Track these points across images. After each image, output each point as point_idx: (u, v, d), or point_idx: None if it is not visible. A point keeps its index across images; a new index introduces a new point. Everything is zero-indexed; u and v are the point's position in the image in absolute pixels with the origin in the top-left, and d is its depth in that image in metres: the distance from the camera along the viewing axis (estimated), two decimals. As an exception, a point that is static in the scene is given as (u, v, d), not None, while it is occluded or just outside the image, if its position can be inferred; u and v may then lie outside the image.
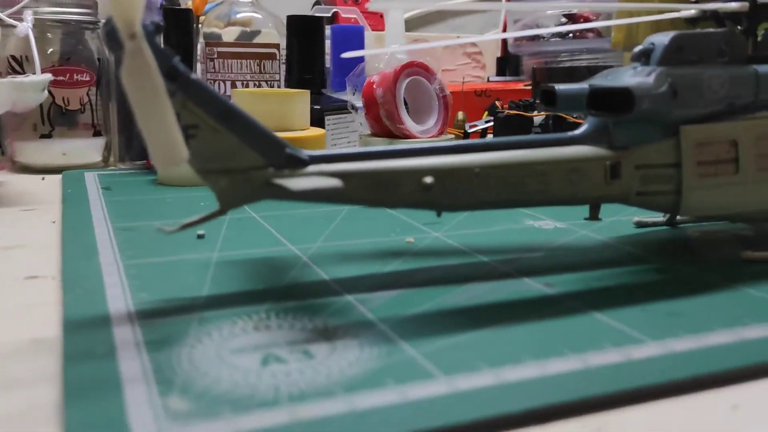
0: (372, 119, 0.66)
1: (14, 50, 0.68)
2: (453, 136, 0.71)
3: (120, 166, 0.73)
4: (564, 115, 0.67)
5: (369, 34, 0.82)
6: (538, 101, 0.70)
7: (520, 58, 0.95)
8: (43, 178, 0.66)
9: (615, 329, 0.28)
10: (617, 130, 0.36)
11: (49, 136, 0.70)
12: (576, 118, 0.68)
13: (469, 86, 0.83)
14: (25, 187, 0.62)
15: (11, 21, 0.65)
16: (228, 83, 0.72)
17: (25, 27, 0.61)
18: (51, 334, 0.29)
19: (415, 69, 0.66)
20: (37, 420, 0.22)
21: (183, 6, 0.79)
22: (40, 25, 0.67)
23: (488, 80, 0.95)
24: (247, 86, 0.72)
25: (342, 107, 0.69)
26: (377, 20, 0.93)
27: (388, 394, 0.22)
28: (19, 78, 0.53)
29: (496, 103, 0.72)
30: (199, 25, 0.74)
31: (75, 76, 0.69)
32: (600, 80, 0.38)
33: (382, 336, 0.27)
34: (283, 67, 0.74)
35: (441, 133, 0.68)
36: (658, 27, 0.89)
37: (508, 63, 0.97)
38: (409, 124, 0.65)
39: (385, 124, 0.65)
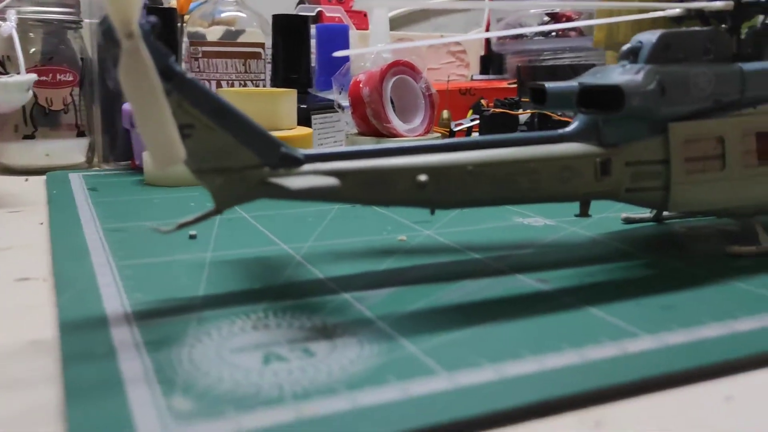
0: (359, 118, 0.66)
1: (-4, 50, 0.68)
2: (439, 134, 0.71)
3: (104, 167, 0.73)
4: (549, 113, 0.68)
5: (353, 33, 0.82)
6: (524, 99, 0.70)
7: (503, 57, 0.96)
8: (26, 180, 0.65)
9: (610, 323, 0.28)
10: (607, 128, 0.36)
11: (32, 136, 0.69)
12: (561, 115, 0.68)
13: (453, 85, 0.83)
14: (8, 188, 0.61)
15: (-7, 21, 0.64)
16: (213, 83, 0.72)
17: (9, 27, 0.60)
18: (47, 335, 0.28)
19: (401, 68, 0.67)
20: (39, 420, 0.22)
21: (166, 5, 0.79)
22: (21, 25, 0.66)
23: (472, 78, 0.95)
24: (232, 86, 0.72)
25: (328, 106, 0.69)
26: (361, 19, 0.93)
27: (391, 391, 0.23)
28: (4, 78, 0.53)
29: (481, 101, 0.73)
30: (184, 25, 0.74)
31: (58, 76, 0.69)
32: (589, 78, 0.38)
33: (381, 333, 0.27)
34: (269, 67, 0.74)
35: (427, 131, 0.68)
36: (639, 26, 0.90)
37: (491, 61, 0.97)
38: (396, 123, 0.66)
39: (372, 123, 0.65)
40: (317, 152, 0.33)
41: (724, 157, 0.37)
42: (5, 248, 0.42)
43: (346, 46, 0.78)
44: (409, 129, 0.67)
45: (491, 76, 0.95)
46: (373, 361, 0.25)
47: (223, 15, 0.76)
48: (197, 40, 0.73)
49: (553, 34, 0.86)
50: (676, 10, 0.43)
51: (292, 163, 0.32)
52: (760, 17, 0.41)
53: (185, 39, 0.73)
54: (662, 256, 0.38)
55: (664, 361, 0.25)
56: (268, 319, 0.29)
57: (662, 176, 0.37)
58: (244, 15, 0.76)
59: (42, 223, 0.48)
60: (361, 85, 0.64)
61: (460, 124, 0.75)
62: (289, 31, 0.70)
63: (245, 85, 0.73)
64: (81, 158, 0.73)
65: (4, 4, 0.64)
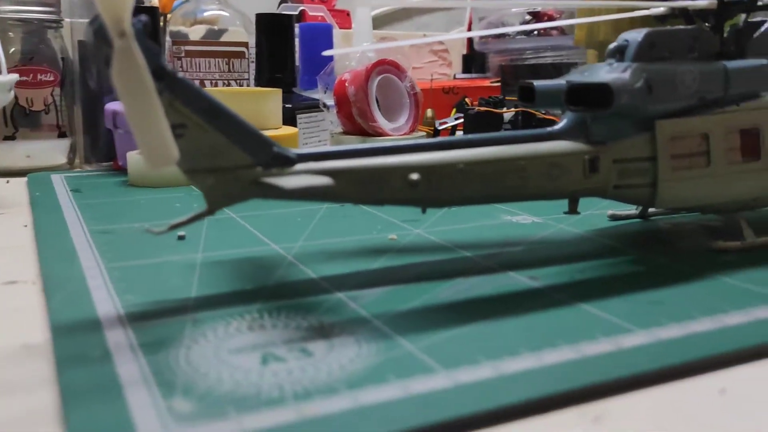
0: (344, 117, 0.66)
1: (-26, 50, 0.66)
2: (424, 133, 0.71)
3: (86, 168, 0.72)
4: (533, 112, 0.68)
5: (337, 33, 0.82)
6: (509, 98, 0.71)
7: (485, 56, 0.96)
8: (7, 181, 0.64)
9: (603, 319, 0.29)
10: (595, 126, 0.37)
11: (12, 137, 0.68)
12: (545, 114, 0.69)
13: (436, 84, 0.84)
14: (-11, 190, 0.60)
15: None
16: (196, 82, 0.71)
17: (-11, 26, 0.59)
18: (39, 338, 0.28)
19: (387, 67, 0.67)
20: (35, 424, 0.22)
21: (148, 4, 0.78)
22: (1, 24, 0.65)
23: (455, 77, 0.96)
24: (216, 85, 0.72)
25: (314, 106, 0.69)
26: (344, 18, 0.93)
27: (392, 389, 0.23)
28: (-16, 79, 0.52)
29: (466, 100, 0.73)
30: (166, 24, 0.73)
31: (39, 76, 0.68)
32: (576, 76, 0.39)
33: (377, 332, 0.27)
34: (252, 66, 0.73)
35: (412, 130, 0.69)
36: (618, 25, 0.91)
37: (473, 60, 0.98)
38: (382, 121, 0.66)
39: (357, 122, 0.65)
40: (310, 151, 0.33)
41: (709, 154, 0.38)
42: (-10, 251, 0.41)
43: (329, 46, 0.78)
44: (395, 128, 0.67)
45: (473, 75, 0.96)
46: (372, 360, 0.25)
47: (205, 14, 0.75)
48: (180, 39, 0.72)
49: (535, 33, 0.87)
50: (660, 8, 0.43)
51: (284, 162, 0.32)
52: (743, 16, 0.42)
53: (167, 38, 0.73)
54: (649, 252, 0.39)
55: (658, 356, 0.25)
56: (264, 320, 0.29)
57: (649, 173, 0.37)
58: (226, 14, 0.76)
59: (26, 226, 0.47)
60: (346, 84, 0.64)
61: (445, 122, 0.75)
62: (273, 30, 0.69)
63: (229, 85, 0.72)
64: (62, 159, 0.72)
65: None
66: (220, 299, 0.31)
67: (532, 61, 0.88)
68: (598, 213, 0.47)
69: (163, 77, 0.28)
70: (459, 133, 0.74)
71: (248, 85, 0.73)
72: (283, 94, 0.66)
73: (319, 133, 0.70)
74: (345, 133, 0.68)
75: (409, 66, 0.68)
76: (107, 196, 0.55)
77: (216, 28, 0.75)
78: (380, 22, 1.08)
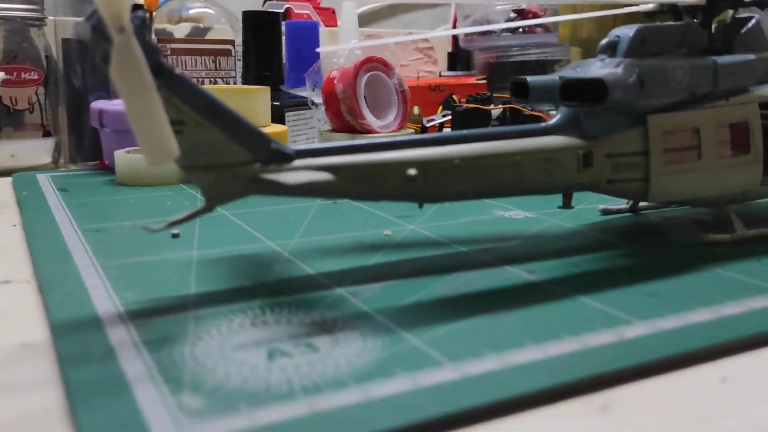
0: (332, 115, 0.66)
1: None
2: (412, 130, 0.71)
3: (71, 168, 0.71)
4: (520, 108, 0.69)
5: (323, 30, 0.82)
6: (497, 95, 0.71)
7: (470, 53, 0.96)
8: (-8, 181, 0.64)
9: (602, 311, 0.29)
10: (588, 121, 0.37)
11: (-5, 137, 0.67)
12: (531, 110, 0.69)
13: (422, 81, 0.84)
14: (-27, 190, 0.60)
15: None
16: (183, 80, 0.71)
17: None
18: (38, 337, 0.28)
19: (375, 64, 0.67)
20: (42, 424, 0.21)
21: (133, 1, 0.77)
22: (-17, 22, 0.64)
23: (440, 75, 0.96)
24: (202, 83, 0.71)
25: (302, 103, 0.69)
26: (329, 16, 0.93)
27: (400, 382, 0.23)
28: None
29: (453, 97, 0.73)
30: (152, 21, 0.73)
31: (23, 75, 0.67)
32: (569, 72, 0.39)
33: (381, 326, 0.27)
34: (239, 64, 0.73)
35: (401, 127, 0.69)
36: (602, 22, 0.92)
37: (458, 58, 0.98)
38: (370, 119, 0.66)
39: (346, 120, 0.65)
40: (308, 148, 0.32)
41: (700, 148, 0.39)
42: (-20, 251, 0.41)
43: (316, 44, 0.78)
44: (383, 125, 0.67)
45: (459, 73, 0.96)
46: (378, 354, 0.25)
47: (190, 12, 0.75)
48: (165, 37, 0.72)
49: (520, 30, 0.87)
50: (649, 5, 0.44)
51: (283, 158, 0.32)
52: (730, 12, 0.42)
53: (152, 36, 0.72)
54: (642, 245, 0.39)
55: (660, 346, 0.26)
56: (266, 316, 0.29)
57: (642, 167, 0.38)
58: (212, 11, 0.76)
59: (15, 225, 0.46)
60: (335, 82, 0.64)
61: (432, 119, 0.75)
62: (260, 27, 0.69)
63: (215, 83, 0.72)
64: (47, 159, 0.71)
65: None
66: (220, 296, 0.31)
67: (518, 59, 0.89)
68: (590, 208, 0.47)
69: (161, 73, 0.28)
70: (447, 130, 0.74)
71: (235, 83, 0.73)
72: (271, 92, 0.65)
73: (307, 130, 0.70)
74: (333, 130, 0.68)
75: (397, 63, 0.68)
76: (96, 195, 0.54)
77: (201, 25, 0.75)
78: (365, 20, 1.08)
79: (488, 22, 0.89)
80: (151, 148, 0.26)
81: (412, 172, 0.33)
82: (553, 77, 0.39)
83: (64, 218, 0.46)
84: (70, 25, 0.69)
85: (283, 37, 0.77)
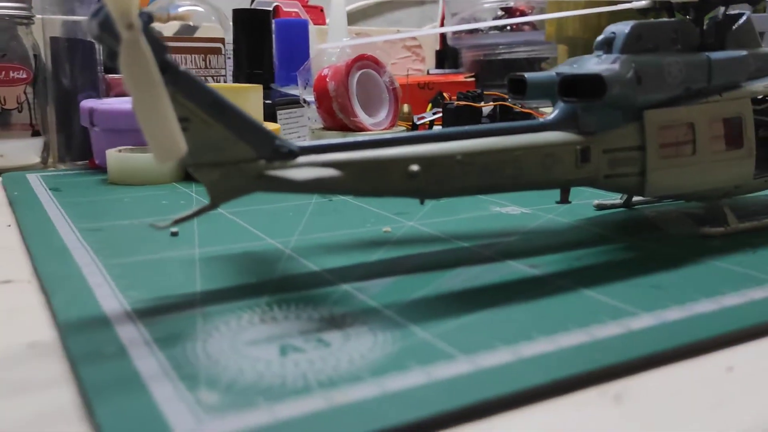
0: (324, 113, 0.66)
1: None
2: (404, 128, 0.72)
3: (60, 167, 0.70)
4: (510, 105, 0.69)
5: (311, 29, 0.82)
6: (487, 92, 0.72)
7: (458, 51, 0.97)
8: (-20, 182, 0.63)
9: (607, 304, 0.29)
10: (585, 116, 0.37)
11: (-17, 137, 0.67)
12: (521, 107, 0.70)
13: (412, 79, 0.84)
14: (-38, 191, 0.59)
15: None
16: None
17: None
18: (45, 337, 0.28)
19: (366, 62, 0.67)
20: (59, 423, 0.21)
21: None
22: (-31, 21, 0.64)
23: (428, 73, 0.96)
24: (192, 82, 0.71)
25: (294, 101, 0.69)
26: (317, 14, 0.93)
27: (415, 376, 0.23)
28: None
29: (444, 94, 0.74)
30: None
31: (11, 74, 0.66)
32: (566, 68, 0.39)
33: (390, 321, 0.28)
34: (229, 62, 0.73)
35: (392, 125, 0.69)
36: (586, 21, 0.93)
37: (446, 56, 0.98)
38: (362, 116, 0.66)
39: (338, 118, 0.65)
40: (312, 144, 0.33)
41: (695, 142, 0.39)
42: (-23, 252, 0.40)
43: (306, 42, 0.78)
44: (375, 123, 0.67)
45: (447, 71, 0.96)
46: (390, 348, 0.25)
47: (179, 10, 0.74)
48: (154, 35, 0.71)
49: (508, 28, 0.88)
50: (642, 2, 0.44)
51: (287, 155, 0.32)
52: (721, 9, 0.43)
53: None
54: (639, 239, 0.40)
55: (667, 337, 0.26)
56: (274, 312, 0.29)
57: (638, 162, 0.38)
58: (201, 9, 0.75)
59: (9, 225, 0.46)
60: (327, 80, 0.64)
61: (423, 117, 0.75)
62: (251, 25, 0.69)
63: (206, 81, 0.71)
64: (36, 159, 0.70)
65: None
66: (227, 293, 0.31)
67: (505, 56, 0.89)
68: (584, 203, 0.48)
69: (167, 70, 0.28)
70: (437, 128, 0.74)
71: (225, 82, 0.73)
72: (263, 90, 0.65)
73: (299, 129, 0.70)
74: (325, 128, 0.68)
75: (389, 61, 0.68)
76: (89, 195, 0.54)
77: (190, 23, 0.75)
78: (353, 18, 1.08)
79: (476, 21, 0.89)
80: (159, 145, 0.26)
81: (415, 168, 0.33)
82: (550, 73, 0.39)
83: (59, 217, 0.46)
84: (58, 23, 0.68)
85: (273, 36, 0.76)
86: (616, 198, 0.48)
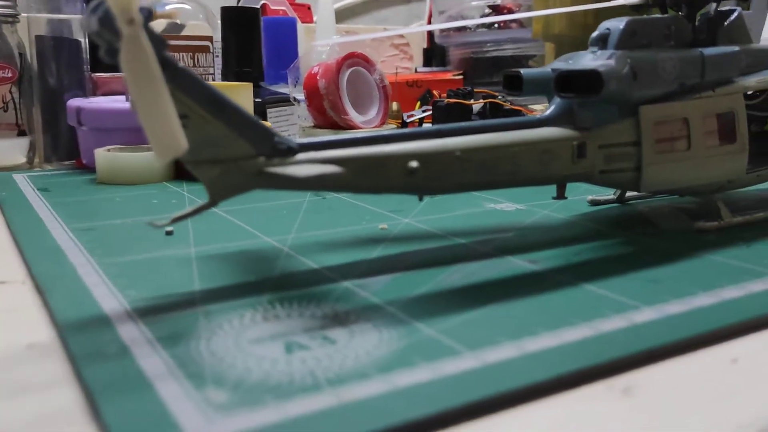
0: (315, 111, 0.66)
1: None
2: (394, 125, 0.71)
3: (47, 167, 0.70)
4: (500, 102, 0.70)
5: (299, 27, 0.82)
6: (477, 90, 0.72)
7: (446, 49, 0.97)
8: (-34, 183, 0.62)
9: (609, 298, 0.30)
10: (582, 112, 0.37)
11: (-32, 137, 0.66)
12: (511, 105, 0.70)
13: (400, 77, 0.84)
14: (-52, 192, 0.58)
15: None
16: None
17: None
18: (44, 337, 0.27)
19: (356, 60, 0.67)
20: (63, 423, 0.21)
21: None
22: (-47, 19, 0.63)
23: (416, 71, 0.96)
24: (180, 80, 0.70)
25: (284, 99, 0.68)
26: (305, 12, 0.93)
27: (423, 372, 0.23)
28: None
29: (433, 92, 0.74)
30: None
31: (-4, 73, 0.65)
32: (562, 64, 0.39)
33: (394, 318, 0.28)
34: (217, 60, 0.72)
35: (383, 123, 0.69)
36: (571, 18, 0.93)
37: (434, 54, 0.98)
38: (353, 114, 0.66)
39: (329, 116, 0.65)
40: (311, 141, 0.32)
41: (689, 137, 0.39)
42: (-33, 253, 0.39)
43: (294, 40, 0.78)
44: (365, 121, 0.67)
45: (435, 69, 0.96)
46: (396, 344, 0.25)
47: (166, 8, 0.74)
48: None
49: (495, 26, 0.88)
50: (635, -1, 0.44)
51: (286, 152, 0.32)
52: (713, 5, 0.43)
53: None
54: (635, 234, 0.40)
55: (671, 330, 0.26)
56: (277, 310, 0.28)
57: (634, 157, 0.38)
58: (188, 7, 0.75)
59: (-1, 226, 0.45)
60: (317, 78, 0.64)
61: (412, 115, 0.75)
62: (240, 23, 0.68)
63: (194, 80, 0.71)
64: (21, 159, 0.69)
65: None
66: (227, 292, 0.31)
67: (493, 54, 0.89)
68: (578, 199, 0.48)
69: (166, 67, 0.28)
70: (427, 125, 0.74)
71: (214, 80, 0.72)
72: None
73: (289, 127, 0.69)
74: (316, 126, 0.67)
75: (378, 59, 0.68)
76: (78, 195, 0.53)
77: (178, 21, 0.74)
78: (340, 16, 1.07)
79: (463, 19, 0.89)
80: (160, 142, 0.26)
81: (414, 164, 0.33)
82: (546, 70, 0.40)
83: (50, 218, 0.45)
84: (43, 21, 0.67)
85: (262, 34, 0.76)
86: (609, 194, 0.48)
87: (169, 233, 0.40)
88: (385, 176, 0.33)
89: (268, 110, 0.66)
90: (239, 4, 0.86)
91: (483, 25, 0.89)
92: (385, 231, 0.41)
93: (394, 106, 0.77)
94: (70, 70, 0.68)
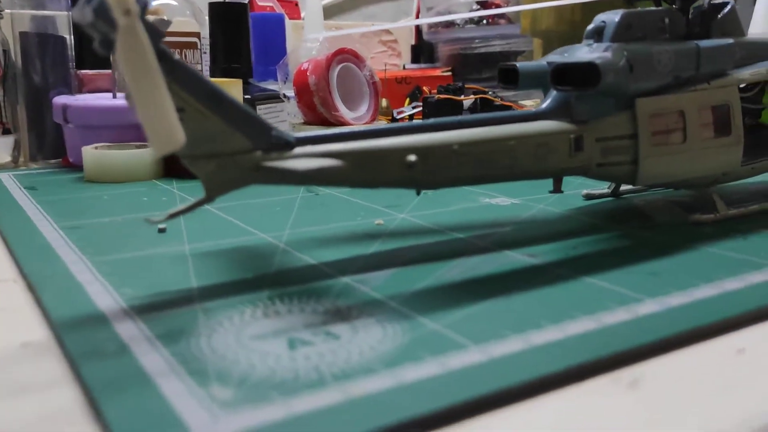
0: (305, 107, 0.66)
1: None
2: (385, 122, 0.71)
3: (32, 166, 0.68)
4: (491, 98, 0.69)
5: (287, 23, 0.81)
6: (468, 86, 0.71)
7: (434, 46, 0.97)
8: (-51, 182, 0.61)
9: (611, 290, 0.29)
10: (578, 105, 0.37)
11: (-49, 136, 0.64)
12: (502, 100, 0.70)
13: (390, 74, 0.84)
14: (-69, 191, 0.57)
15: None
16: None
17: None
18: (39, 336, 0.27)
19: (346, 56, 0.66)
20: (64, 423, 0.20)
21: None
22: (-66, 15, 0.61)
23: (404, 68, 0.96)
24: (168, 77, 0.69)
25: (273, 96, 0.68)
26: (292, 9, 0.92)
27: (429, 367, 0.23)
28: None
29: (423, 89, 0.73)
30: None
31: (-21, 70, 0.64)
32: (557, 57, 0.39)
33: (396, 313, 0.27)
34: (205, 57, 0.71)
35: (373, 119, 0.68)
36: (559, 14, 0.93)
37: (422, 50, 0.98)
38: (343, 110, 0.65)
39: (319, 112, 0.65)
40: (308, 135, 0.32)
41: (685, 130, 0.39)
42: (-45, 252, 0.39)
43: (282, 36, 0.77)
44: (356, 117, 0.67)
45: (423, 65, 0.96)
46: (400, 339, 0.25)
47: (153, 4, 0.73)
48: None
49: (484, 22, 0.88)
50: (629, -9, 0.44)
51: (284, 146, 0.31)
52: (706, -2, 0.43)
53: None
54: (631, 227, 0.40)
55: (675, 322, 0.26)
56: (277, 306, 0.28)
57: (630, 150, 0.38)
58: (174, 3, 0.74)
59: (-14, 225, 0.44)
60: (307, 74, 0.63)
61: (402, 112, 0.75)
62: (228, 19, 0.68)
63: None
64: (6, 158, 0.68)
65: None
66: (225, 288, 0.30)
67: (482, 50, 0.89)
68: (573, 193, 0.48)
69: (162, 59, 0.27)
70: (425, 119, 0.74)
71: (202, 77, 0.71)
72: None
73: (279, 124, 0.69)
74: (306, 123, 0.67)
75: (368, 55, 0.68)
76: (66, 193, 0.52)
77: (164, 17, 0.73)
78: (328, 12, 1.07)
79: (451, 14, 0.89)
80: (157, 135, 0.25)
81: (412, 158, 0.33)
82: (541, 63, 0.39)
83: (38, 216, 0.44)
84: (27, 18, 0.66)
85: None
86: (604, 187, 0.48)
87: (161, 230, 0.40)
88: (383, 170, 0.33)
89: (258, 107, 0.66)
90: (227, 0, 0.85)
91: (471, 21, 0.89)
92: (382, 226, 0.41)
93: (384, 102, 0.77)
94: (55, 67, 0.67)
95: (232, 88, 0.61)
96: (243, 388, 0.21)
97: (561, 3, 0.79)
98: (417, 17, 0.97)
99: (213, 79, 0.68)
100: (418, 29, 0.96)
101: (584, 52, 0.38)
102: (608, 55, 0.37)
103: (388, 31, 0.91)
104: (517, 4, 0.87)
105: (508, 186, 0.50)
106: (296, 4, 0.94)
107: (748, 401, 0.22)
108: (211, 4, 0.69)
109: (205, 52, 0.72)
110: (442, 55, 0.94)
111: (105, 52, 0.26)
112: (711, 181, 0.42)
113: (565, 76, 0.37)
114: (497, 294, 0.29)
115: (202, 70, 0.71)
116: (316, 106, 0.64)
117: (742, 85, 0.44)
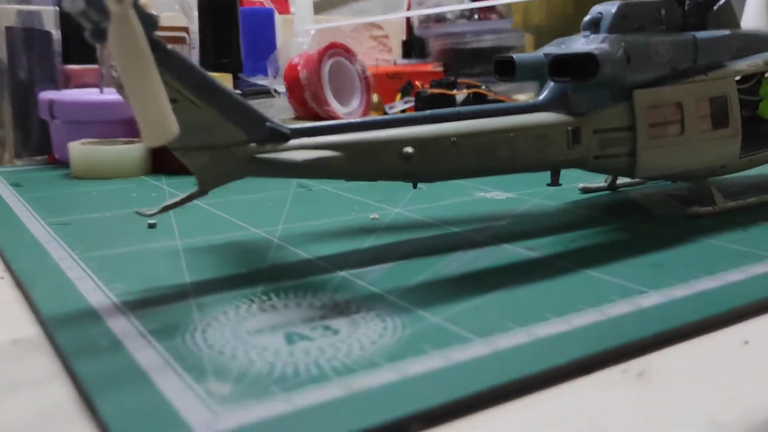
0: (296, 102, 0.65)
1: None
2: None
3: (17, 163, 0.67)
4: (484, 92, 0.69)
5: (277, 18, 0.80)
6: (461, 80, 0.71)
7: (425, 41, 0.96)
8: (-67, 179, 0.59)
9: (613, 283, 0.29)
10: (576, 97, 0.37)
11: (-66, 132, 0.63)
12: (495, 95, 0.70)
13: (381, 69, 0.83)
14: None
15: None
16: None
17: None
18: (29, 333, 0.26)
19: (338, 50, 0.65)
20: (59, 420, 0.20)
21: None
22: None
23: (395, 63, 0.95)
24: (156, 72, 0.69)
25: (263, 91, 0.67)
26: (282, 3, 0.91)
27: (433, 360, 0.22)
28: None
29: (415, 83, 0.73)
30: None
31: (-37, 66, 0.63)
32: (554, 49, 0.39)
33: (396, 306, 0.27)
34: (194, 52, 0.70)
35: (365, 114, 0.68)
36: (550, 9, 0.93)
37: (413, 46, 0.97)
38: (335, 105, 0.65)
39: (310, 107, 0.64)
40: (303, 126, 0.31)
41: (683, 122, 0.39)
42: (-61, 249, 0.38)
43: (272, 31, 0.76)
44: (347, 112, 0.66)
45: (414, 60, 0.95)
46: (401, 333, 0.24)
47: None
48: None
49: (475, 16, 0.87)
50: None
51: (279, 138, 0.31)
52: (702, -10, 0.43)
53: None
54: (630, 220, 0.40)
55: (680, 313, 0.26)
56: (273, 301, 0.27)
57: (628, 142, 0.38)
58: (163, -2, 0.73)
59: (-28, 222, 0.43)
60: (299, 68, 0.63)
61: (394, 107, 0.74)
62: (217, 14, 0.67)
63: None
64: (-9, 155, 0.67)
65: None
66: (219, 283, 0.30)
67: (473, 45, 0.89)
68: (569, 186, 0.48)
69: (155, 49, 0.26)
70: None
71: (191, 72, 0.70)
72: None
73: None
74: (297, 118, 0.66)
75: (359, 51, 0.67)
76: (53, 189, 0.51)
77: (153, 12, 0.72)
78: (318, 7, 1.06)
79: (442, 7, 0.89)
80: (150, 126, 0.25)
81: (409, 150, 0.32)
82: (538, 55, 0.39)
83: (25, 213, 0.43)
84: (12, 12, 0.65)
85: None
86: (600, 181, 0.48)
87: (151, 226, 0.39)
88: (380, 162, 0.32)
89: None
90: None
91: (462, 16, 0.88)
92: (377, 221, 0.40)
93: (375, 97, 0.76)
94: (41, 63, 0.66)
95: (222, 83, 0.60)
96: (242, 383, 0.21)
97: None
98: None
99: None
100: (409, 24, 0.96)
101: (581, 44, 0.38)
102: (606, 46, 0.36)
103: (378, 27, 0.90)
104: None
105: (503, 180, 0.49)
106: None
107: (754, 392, 0.21)
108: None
109: (193, 47, 0.71)
110: (433, 50, 0.93)
111: (98, 42, 0.25)
112: (709, 173, 0.41)
113: (563, 67, 0.37)
114: (497, 287, 0.29)
115: (191, 66, 0.70)
116: (307, 101, 0.63)
117: (738, 78, 0.44)
